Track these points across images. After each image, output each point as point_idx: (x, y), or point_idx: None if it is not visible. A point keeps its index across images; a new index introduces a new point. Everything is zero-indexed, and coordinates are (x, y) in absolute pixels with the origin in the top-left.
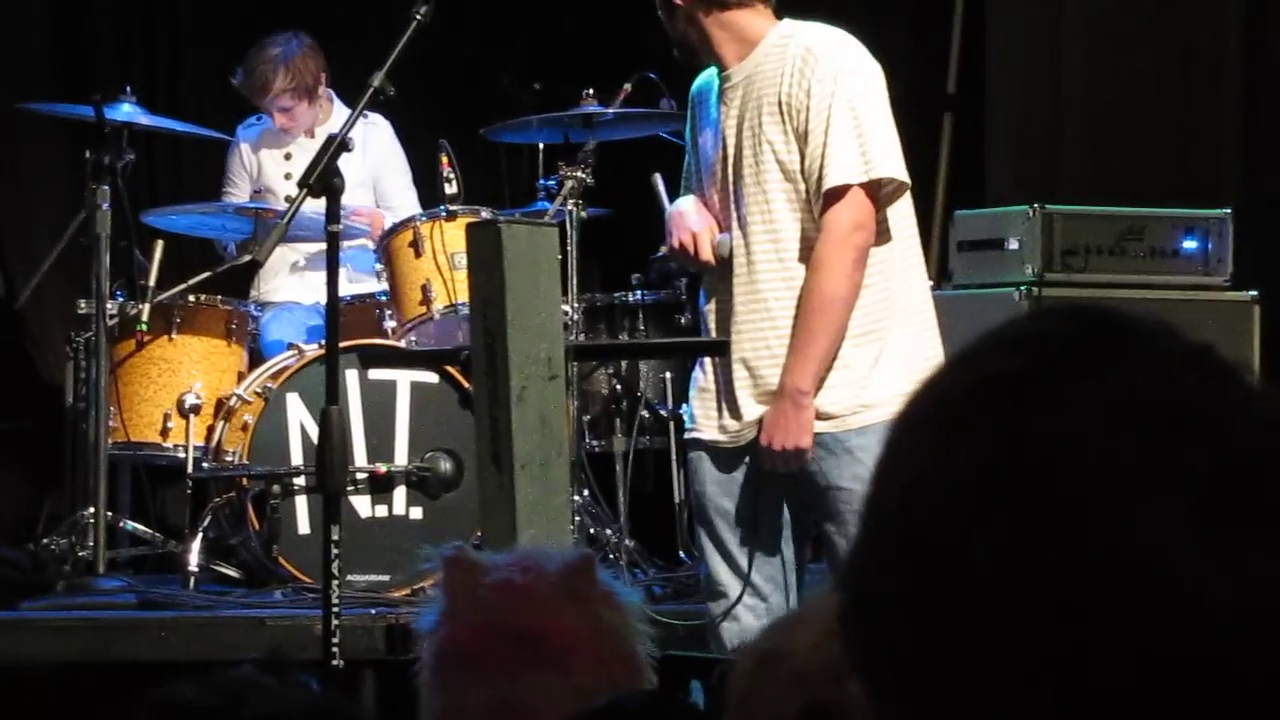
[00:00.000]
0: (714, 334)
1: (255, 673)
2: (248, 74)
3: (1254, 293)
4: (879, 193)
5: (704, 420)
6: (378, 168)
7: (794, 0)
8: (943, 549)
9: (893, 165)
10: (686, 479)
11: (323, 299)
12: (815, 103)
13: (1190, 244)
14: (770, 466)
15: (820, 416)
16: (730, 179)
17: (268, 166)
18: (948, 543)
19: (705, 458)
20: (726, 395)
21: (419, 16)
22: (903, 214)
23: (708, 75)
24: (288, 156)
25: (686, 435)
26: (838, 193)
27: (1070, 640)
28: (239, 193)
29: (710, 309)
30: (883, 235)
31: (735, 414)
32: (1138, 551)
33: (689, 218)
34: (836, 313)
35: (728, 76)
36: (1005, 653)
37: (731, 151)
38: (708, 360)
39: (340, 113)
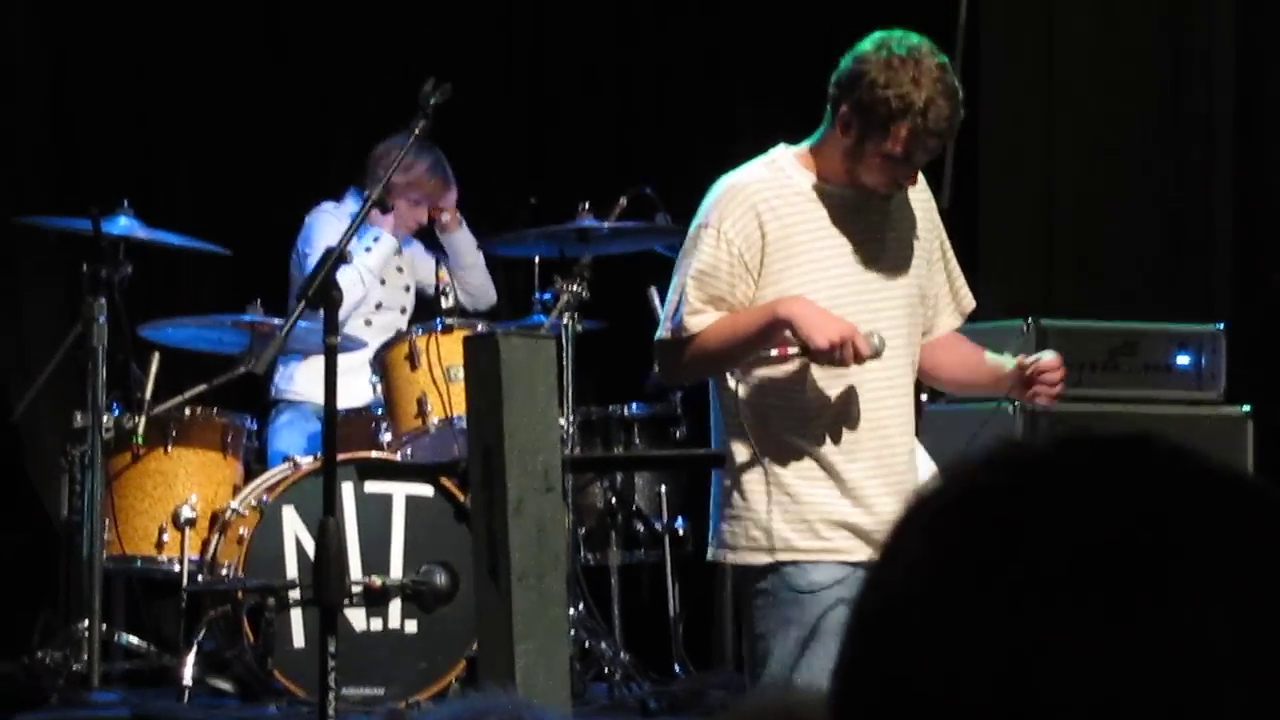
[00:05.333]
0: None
1: None
2: (433, 168)
3: (1247, 408)
4: None
5: (857, 548)
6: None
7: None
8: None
9: None
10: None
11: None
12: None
13: (1183, 359)
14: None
15: None
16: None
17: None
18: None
19: (843, 580)
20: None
21: (416, 132)
22: None
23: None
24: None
25: (832, 560)
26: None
27: None
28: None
29: (834, 409)
30: None
31: (873, 516)
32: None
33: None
34: None
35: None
36: None
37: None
38: (845, 484)
39: None
